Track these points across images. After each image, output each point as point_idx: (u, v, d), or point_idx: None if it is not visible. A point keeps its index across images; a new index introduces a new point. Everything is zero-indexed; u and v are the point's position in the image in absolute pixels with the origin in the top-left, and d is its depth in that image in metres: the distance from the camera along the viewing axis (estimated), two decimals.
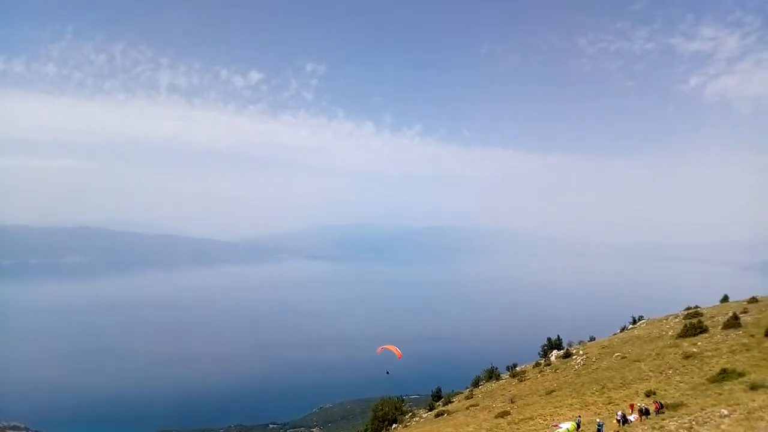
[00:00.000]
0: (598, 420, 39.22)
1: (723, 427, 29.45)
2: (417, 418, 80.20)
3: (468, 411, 68.80)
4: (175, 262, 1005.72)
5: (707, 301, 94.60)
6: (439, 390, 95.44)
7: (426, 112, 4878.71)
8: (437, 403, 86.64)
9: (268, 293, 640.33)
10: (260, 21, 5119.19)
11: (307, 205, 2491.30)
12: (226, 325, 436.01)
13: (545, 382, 69.92)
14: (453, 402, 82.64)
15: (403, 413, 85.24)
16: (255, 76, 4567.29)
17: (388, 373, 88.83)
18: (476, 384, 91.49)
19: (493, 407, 63.88)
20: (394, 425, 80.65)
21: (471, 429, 54.37)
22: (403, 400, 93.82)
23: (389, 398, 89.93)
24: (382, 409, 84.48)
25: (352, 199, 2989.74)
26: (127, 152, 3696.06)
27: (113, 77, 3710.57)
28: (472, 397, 79.86)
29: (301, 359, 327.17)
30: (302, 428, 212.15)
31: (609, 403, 48.26)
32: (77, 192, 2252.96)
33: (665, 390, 46.61)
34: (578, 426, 37.46)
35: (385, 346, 74.32)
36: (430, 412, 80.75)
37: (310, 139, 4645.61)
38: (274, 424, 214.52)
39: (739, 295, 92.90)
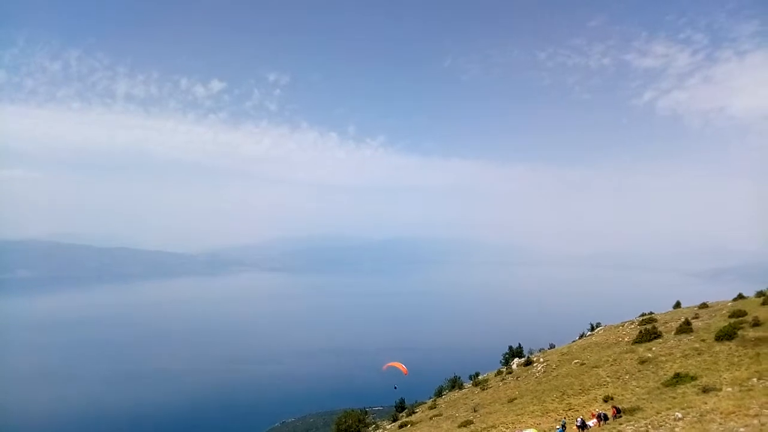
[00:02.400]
0: (557, 427, 39.90)
1: (677, 430, 30.30)
2: (380, 430, 79.89)
3: (431, 421, 68.94)
4: (128, 276, 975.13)
5: (661, 307, 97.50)
6: (402, 401, 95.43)
7: (390, 124, 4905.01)
8: (401, 414, 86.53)
9: (227, 306, 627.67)
10: (222, 30, 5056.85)
11: (268, 217, 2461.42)
12: (182, 340, 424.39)
13: (507, 390, 70.70)
14: (416, 412, 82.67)
15: (367, 425, 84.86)
16: (216, 85, 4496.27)
17: (395, 388, 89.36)
18: (439, 394, 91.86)
19: (456, 417, 64.21)
20: None
21: None
22: (366, 413, 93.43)
23: (352, 411, 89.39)
24: (345, 422, 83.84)
25: (314, 210, 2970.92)
26: (80, 163, 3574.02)
27: (68, 85, 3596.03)
28: (435, 407, 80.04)
29: (261, 374, 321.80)
30: None
31: (569, 410, 49.13)
32: (25, 203, 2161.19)
33: (622, 395, 47.78)
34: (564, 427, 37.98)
35: (391, 364, 76.58)
36: (393, 424, 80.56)
37: (272, 150, 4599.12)
38: None
39: (690, 301, 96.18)
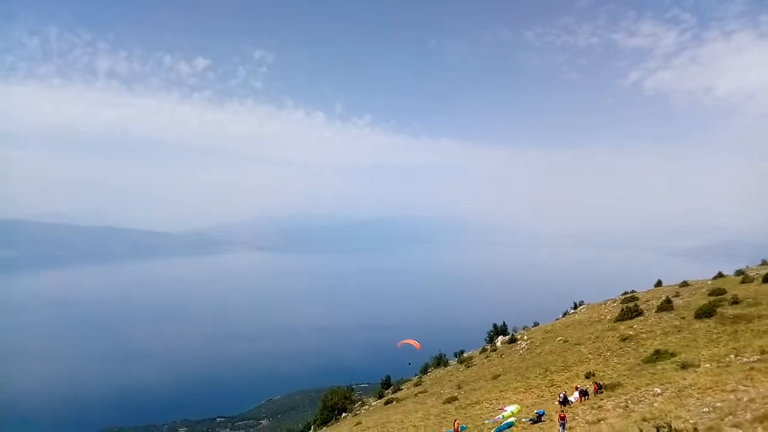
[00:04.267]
0: (537, 410, 40.34)
1: (656, 404, 30.85)
2: (366, 407, 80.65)
3: (417, 398, 69.72)
4: (115, 255, 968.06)
5: (643, 285, 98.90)
6: (388, 378, 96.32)
7: (376, 103, 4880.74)
8: (386, 391, 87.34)
9: (214, 285, 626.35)
10: (207, 6, 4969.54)
11: (254, 196, 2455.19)
12: (170, 318, 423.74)
13: (491, 367, 71.61)
14: (402, 389, 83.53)
15: (353, 402, 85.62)
16: (201, 62, 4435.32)
17: (410, 364, 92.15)
18: (425, 371, 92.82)
19: (441, 393, 64.95)
20: (343, 414, 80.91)
21: (419, 415, 55.10)
22: (352, 390, 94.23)
23: (339, 388, 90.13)
24: (331, 399, 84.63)
25: (301, 189, 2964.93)
26: (62, 140, 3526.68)
27: (48, 61, 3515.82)
28: (420, 384, 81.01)
29: (248, 352, 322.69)
30: (251, 420, 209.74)
31: (551, 386, 49.87)
32: (5, 182, 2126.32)
33: (603, 371, 48.58)
34: (540, 415, 38.45)
35: (404, 341, 79.30)
36: (379, 400, 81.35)
37: (258, 128, 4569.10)
38: (222, 417, 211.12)
39: (671, 279, 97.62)
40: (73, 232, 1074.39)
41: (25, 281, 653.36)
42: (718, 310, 56.05)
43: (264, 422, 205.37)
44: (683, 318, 58.30)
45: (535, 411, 39.35)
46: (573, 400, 40.20)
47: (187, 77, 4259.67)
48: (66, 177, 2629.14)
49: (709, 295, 66.30)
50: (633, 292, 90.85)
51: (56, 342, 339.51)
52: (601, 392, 39.64)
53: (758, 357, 36.45)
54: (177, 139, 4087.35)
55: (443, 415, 51.95)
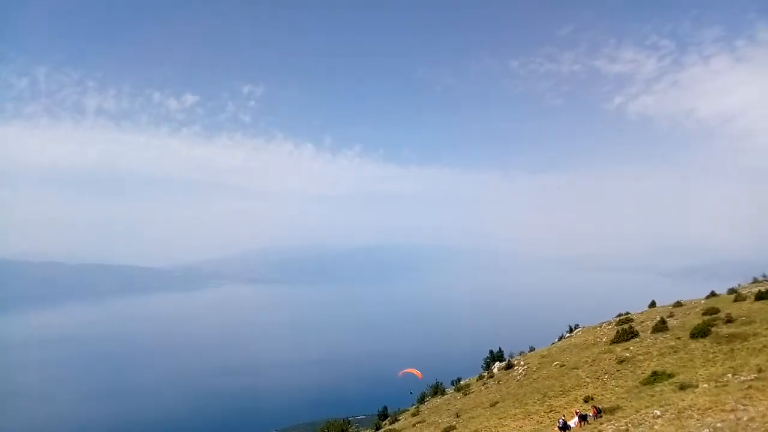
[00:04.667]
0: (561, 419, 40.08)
1: (656, 427, 30.69)
2: None
3: (414, 428, 68.79)
4: (102, 292, 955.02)
5: (636, 307, 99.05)
6: (385, 409, 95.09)
7: (365, 133, 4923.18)
8: (383, 423, 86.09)
9: (205, 320, 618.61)
10: (195, 43, 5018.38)
11: (244, 229, 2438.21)
12: (159, 355, 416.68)
13: (489, 394, 70.95)
14: (399, 420, 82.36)
15: None
16: (189, 98, 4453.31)
17: (411, 393, 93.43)
18: (422, 400, 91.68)
19: (439, 423, 64.16)
20: None
21: None
22: (349, 422, 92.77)
23: (335, 421, 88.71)
24: None
25: (291, 221, 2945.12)
26: (50, 179, 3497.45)
27: (35, 101, 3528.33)
28: (418, 414, 79.93)
29: (242, 386, 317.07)
30: None
31: (550, 411, 49.48)
32: None
33: (602, 395, 48.33)
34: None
35: (406, 370, 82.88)
36: None
37: (247, 162, 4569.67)
38: None
39: (665, 299, 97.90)
40: (62, 270, 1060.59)
41: (15, 321, 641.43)
42: (713, 329, 56.21)
43: None
44: (679, 338, 58.36)
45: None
46: (573, 425, 39.90)
47: (176, 112, 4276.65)
48: (54, 215, 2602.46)
49: (703, 314, 66.52)
50: (627, 313, 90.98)
51: (47, 381, 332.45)
52: (601, 416, 39.39)
53: (755, 375, 36.47)
54: (166, 175, 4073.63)
55: None
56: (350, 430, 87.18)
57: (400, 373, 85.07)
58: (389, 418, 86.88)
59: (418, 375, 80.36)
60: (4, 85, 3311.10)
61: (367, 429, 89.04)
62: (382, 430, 79.03)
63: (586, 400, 47.60)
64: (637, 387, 46.54)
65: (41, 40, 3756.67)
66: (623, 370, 54.26)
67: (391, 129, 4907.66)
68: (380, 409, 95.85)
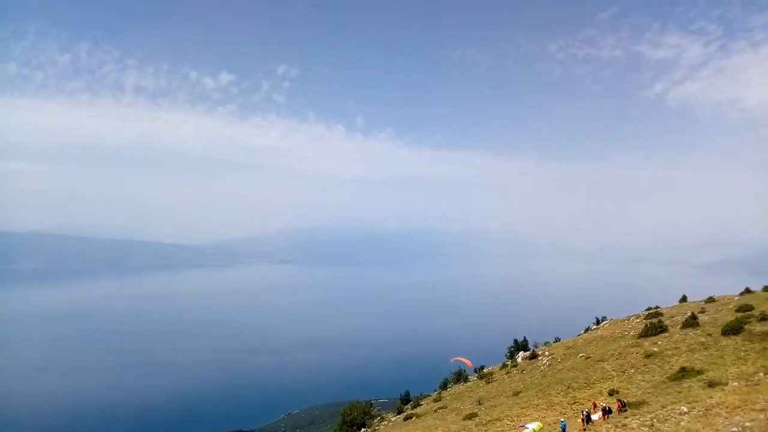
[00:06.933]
0: (561, 420, 39.92)
1: (683, 424, 30.22)
2: (386, 422, 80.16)
3: (436, 413, 69.07)
4: (135, 268, 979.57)
5: (667, 301, 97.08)
6: (407, 393, 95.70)
7: (397, 116, 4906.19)
8: (406, 407, 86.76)
9: (235, 298, 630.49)
10: (232, 23, 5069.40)
11: (275, 209, 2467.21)
12: (189, 332, 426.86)
13: (512, 383, 70.67)
14: (422, 405, 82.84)
15: (372, 417, 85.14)
16: (225, 77, 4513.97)
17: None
18: (444, 387, 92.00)
19: (461, 409, 64.27)
20: (362, 429, 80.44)
21: (439, 431, 54.57)
22: (372, 405, 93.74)
23: (358, 403, 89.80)
24: (350, 414, 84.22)
25: (322, 202, 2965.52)
26: (88, 155, 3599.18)
27: (77, 78, 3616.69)
28: (440, 400, 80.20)
29: (269, 365, 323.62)
30: None
31: (574, 403, 49.06)
32: (31, 196, 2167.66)
33: (627, 389, 47.66)
34: (564, 430, 37.96)
35: (457, 358, 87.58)
36: (398, 416, 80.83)
37: (280, 142, 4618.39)
38: (241, 431, 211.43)
39: (697, 294, 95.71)
40: (95, 244, 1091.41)
41: (48, 293, 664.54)
42: (746, 326, 54.73)
43: None
44: (709, 335, 57.00)
45: (561, 423, 38.85)
46: (596, 418, 39.51)
47: (212, 92, 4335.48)
48: (90, 191, 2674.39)
49: (737, 311, 64.78)
50: (657, 307, 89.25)
51: (76, 354, 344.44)
52: (626, 410, 38.92)
53: None
54: (200, 153, 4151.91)
55: (463, 431, 51.37)
56: (372, 412, 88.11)
57: (452, 360, 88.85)
58: (411, 403, 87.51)
59: (468, 364, 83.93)
60: (48, 61, 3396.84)
61: (389, 412, 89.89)
62: (404, 413, 79.63)
63: (610, 394, 47.03)
64: (664, 382, 45.74)
65: (83, 16, 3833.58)
66: (650, 365, 53.32)
67: (423, 112, 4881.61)
68: (402, 394, 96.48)
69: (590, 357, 66.42)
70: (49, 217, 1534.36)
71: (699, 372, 44.80)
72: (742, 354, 47.65)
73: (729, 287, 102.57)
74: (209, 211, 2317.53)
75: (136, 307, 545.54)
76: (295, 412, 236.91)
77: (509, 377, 75.88)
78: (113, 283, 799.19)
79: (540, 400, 53.83)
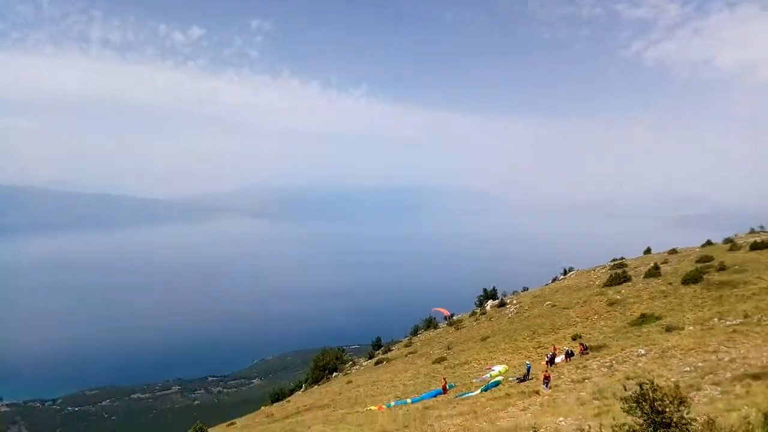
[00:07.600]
0: (527, 362, 41.31)
1: (640, 365, 31.49)
2: (357, 367, 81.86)
3: (407, 358, 70.78)
4: (115, 222, 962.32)
5: (633, 253, 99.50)
6: (379, 339, 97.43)
7: (372, 72, 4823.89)
8: (377, 352, 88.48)
9: (208, 250, 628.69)
10: None
11: (249, 164, 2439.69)
12: (165, 282, 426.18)
13: (480, 329, 72.51)
14: (392, 350, 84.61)
15: (344, 362, 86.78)
16: (196, 31, 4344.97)
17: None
18: (415, 333, 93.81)
19: (430, 354, 65.91)
20: (334, 374, 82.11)
21: (409, 374, 56.04)
22: (343, 350, 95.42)
23: (330, 349, 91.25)
24: (323, 359, 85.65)
25: (295, 158, 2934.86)
26: (55, 108, 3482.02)
27: (39, 29, 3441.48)
28: (410, 345, 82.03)
29: (242, 314, 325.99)
30: (242, 380, 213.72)
31: (539, 347, 50.70)
32: (3, 150, 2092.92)
33: (590, 334, 49.36)
34: (528, 370, 39.24)
35: (437, 308, 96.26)
36: (369, 360, 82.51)
37: (253, 98, 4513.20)
38: (214, 377, 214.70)
39: (664, 247, 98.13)
40: (72, 198, 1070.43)
41: (26, 245, 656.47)
42: (705, 276, 56.70)
43: (255, 381, 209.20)
44: (670, 284, 58.98)
45: (526, 365, 40.23)
46: (559, 360, 40.95)
47: (182, 46, 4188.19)
48: (61, 144, 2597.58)
49: (697, 262, 66.90)
50: (622, 259, 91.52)
51: (55, 303, 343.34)
52: (587, 353, 40.32)
53: (741, 320, 37.03)
54: (171, 108, 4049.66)
55: (432, 374, 52.86)
56: (344, 357, 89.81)
57: (432, 309, 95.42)
58: (382, 348, 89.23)
59: (446, 313, 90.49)
60: (10, 12, 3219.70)
61: (361, 357, 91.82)
62: (376, 358, 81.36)
63: (574, 338, 48.66)
64: (624, 328, 47.46)
65: None
66: (613, 312, 55.19)
67: (401, 70, 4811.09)
68: (374, 340, 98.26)
69: (556, 305, 68.30)
70: (23, 170, 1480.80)
71: (658, 318, 46.53)
72: (700, 301, 49.52)
73: (694, 240, 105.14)
74: (182, 166, 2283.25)
75: (113, 259, 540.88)
76: (268, 358, 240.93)
77: (478, 324, 77.72)
78: (90, 236, 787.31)
79: (507, 345, 55.48)
